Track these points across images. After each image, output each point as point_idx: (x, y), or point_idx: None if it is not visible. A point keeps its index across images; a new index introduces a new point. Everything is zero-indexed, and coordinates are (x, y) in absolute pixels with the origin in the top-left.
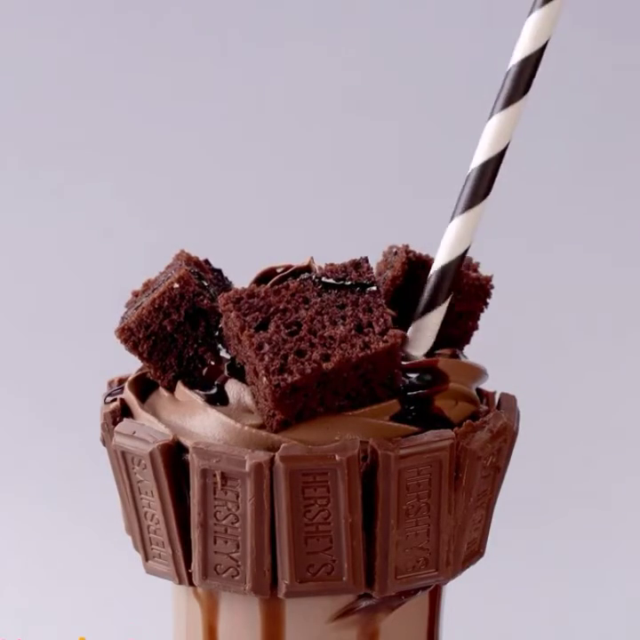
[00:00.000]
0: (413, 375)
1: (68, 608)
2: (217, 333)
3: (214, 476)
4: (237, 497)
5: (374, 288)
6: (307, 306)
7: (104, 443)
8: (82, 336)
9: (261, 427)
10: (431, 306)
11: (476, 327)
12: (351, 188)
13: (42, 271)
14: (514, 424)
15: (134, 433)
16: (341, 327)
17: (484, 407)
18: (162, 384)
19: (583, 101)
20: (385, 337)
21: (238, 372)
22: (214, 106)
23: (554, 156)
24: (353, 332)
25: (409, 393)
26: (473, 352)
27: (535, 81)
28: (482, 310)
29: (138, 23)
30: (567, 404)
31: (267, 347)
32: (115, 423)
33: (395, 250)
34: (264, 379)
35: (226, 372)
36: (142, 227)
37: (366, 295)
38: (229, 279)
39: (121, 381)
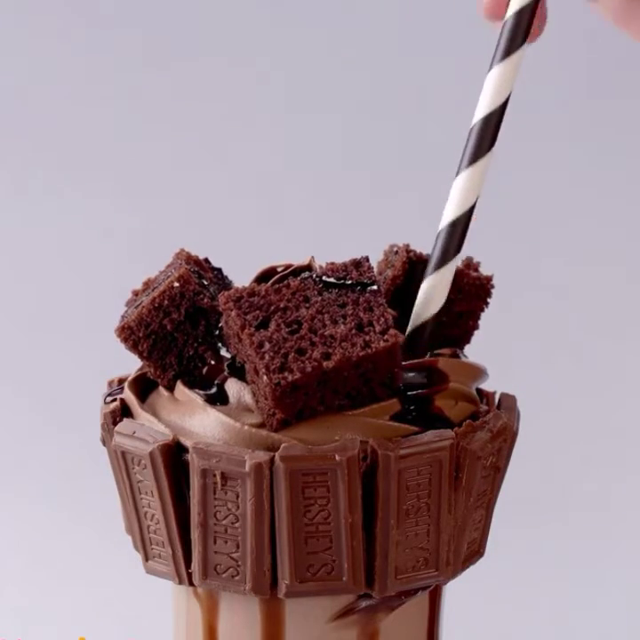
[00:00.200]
0: (413, 375)
1: (67, 608)
2: (217, 332)
3: (214, 475)
4: (237, 497)
5: (375, 287)
6: (307, 305)
7: (104, 443)
8: (82, 336)
9: (261, 426)
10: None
11: (476, 327)
12: (352, 188)
13: (42, 271)
14: (514, 424)
15: (134, 433)
16: (342, 326)
17: (484, 407)
18: (162, 383)
19: (583, 83)
20: (385, 336)
21: (238, 371)
22: (214, 105)
23: (554, 156)
24: (353, 331)
25: (409, 392)
26: (473, 352)
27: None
28: (482, 310)
29: (136, 23)
30: (567, 404)
31: (267, 345)
32: (115, 423)
33: (395, 249)
34: (264, 377)
35: (226, 371)
36: (142, 226)
37: (367, 294)
38: (229, 278)
39: (121, 381)
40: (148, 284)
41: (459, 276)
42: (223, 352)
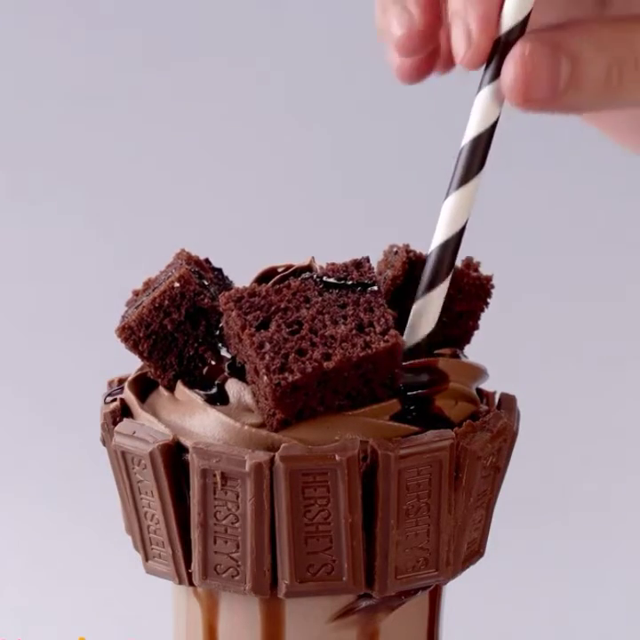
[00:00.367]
0: (413, 375)
1: (68, 608)
2: (217, 332)
3: (214, 475)
4: (237, 497)
5: (375, 288)
6: (308, 305)
7: (104, 443)
8: (82, 336)
9: (261, 426)
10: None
11: (476, 327)
12: (352, 188)
13: (42, 271)
14: (514, 424)
15: (134, 433)
16: (342, 326)
17: (484, 407)
18: (162, 383)
19: None
20: (386, 337)
21: (239, 372)
22: (215, 105)
23: (555, 156)
24: (354, 332)
25: (409, 393)
26: (473, 352)
27: None
28: (482, 310)
29: (134, 22)
30: (567, 404)
31: (267, 346)
32: (115, 423)
33: (395, 249)
34: (265, 377)
35: (226, 372)
36: (143, 226)
37: (367, 295)
38: (230, 278)
39: (121, 381)
40: (148, 284)
41: (459, 276)
42: (223, 352)
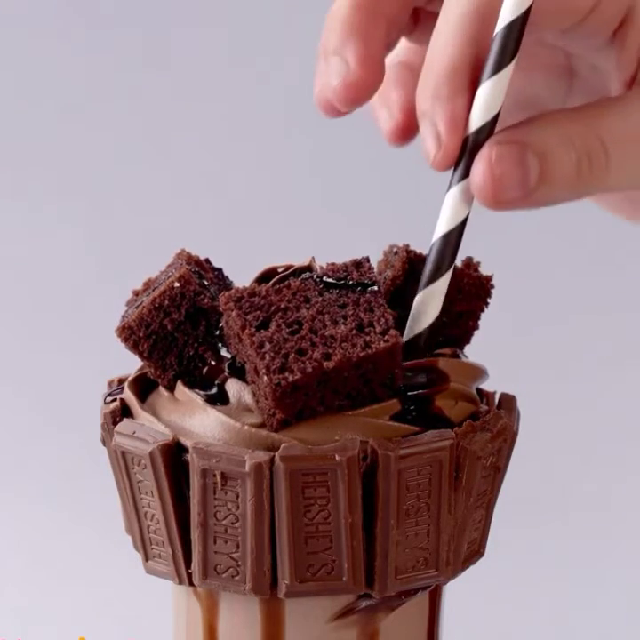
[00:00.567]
0: (414, 375)
1: (68, 608)
2: (217, 332)
3: (214, 476)
4: (237, 497)
5: (375, 288)
6: (308, 305)
7: (104, 443)
8: (82, 336)
9: (261, 426)
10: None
11: (476, 327)
12: (352, 188)
13: (42, 271)
14: (514, 424)
15: (134, 433)
16: (342, 326)
17: (484, 407)
18: (162, 383)
19: None
20: (386, 337)
21: (239, 372)
22: (215, 105)
23: None
24: (354, 332)
25: (409, 393)
26: (473, 352)
27: None
28: (482, 310)
29: (130, 23)
30: (567, 403)
31: (268, 345)
32: (115, 423)
33: (395, 249)
34: (265, 377)
35: (226, 372)
36: (143, 225)
37: (367, 295)
38: (230, 279)
39: (121, 381)
40: (148, 284)
41: (459, 276)
42: (223, 352)
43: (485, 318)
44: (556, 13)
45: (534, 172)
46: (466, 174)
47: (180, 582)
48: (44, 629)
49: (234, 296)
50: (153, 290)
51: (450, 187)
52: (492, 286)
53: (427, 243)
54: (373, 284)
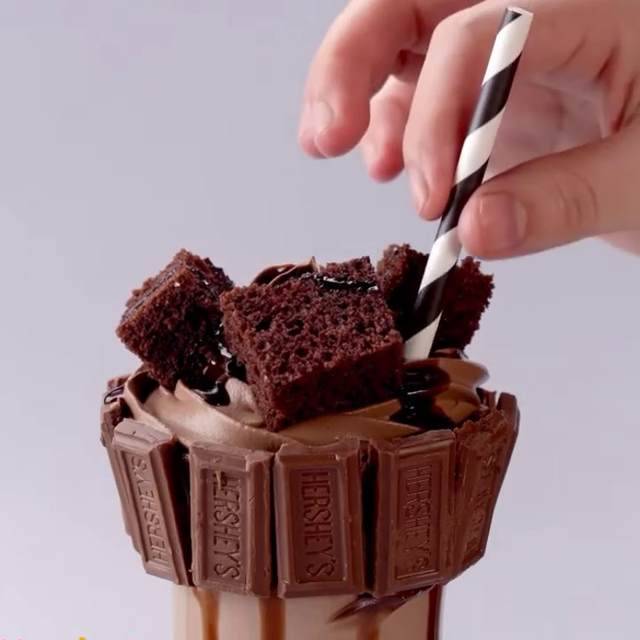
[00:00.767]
0: (414, 375)
1: (68, 608)
2: (218, 332)
3: (214, 476)
4: (237, 497)
5: (376, 288)
6: (308, 305)
7: (104, 443)
8: (82, 336)
9: (262, 426)
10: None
11: (476, 327)
12: (352, 188)
13: (42, 271)
14: (514, 424)
15: (134, 433)
16: (343, 326)
17: (484, 407)
18: (162, 383)
19: None
20: (386, 336)
21: (239, 372)
22: (215, 105)
23: None
24: (354, 332)
25: (409, 393)
26: (473, 352)
27: None
28: (482, 310)
29: (131, 23)
30: (567, 404)
31: (268, 345)
32: (115, 423)
33: (395, 249)
34: (265, 377)
35: (226, 371)
36: (143, 225)
37: (368, 295)
38: (230, 278)
39: (121, 381)
40: (148, 284)
41: (459, 275)
42: (224, 352)
43: (485, 318)
44: (538, 60)
45: (522, 222)
46: (454, 223)
47: (180, 582)
48: (44, 629)
49: (234, 296)
50: (153, 290)
51: (437, 235)
52: (492, 286)
53: (427, 243)
54: (373, 284)
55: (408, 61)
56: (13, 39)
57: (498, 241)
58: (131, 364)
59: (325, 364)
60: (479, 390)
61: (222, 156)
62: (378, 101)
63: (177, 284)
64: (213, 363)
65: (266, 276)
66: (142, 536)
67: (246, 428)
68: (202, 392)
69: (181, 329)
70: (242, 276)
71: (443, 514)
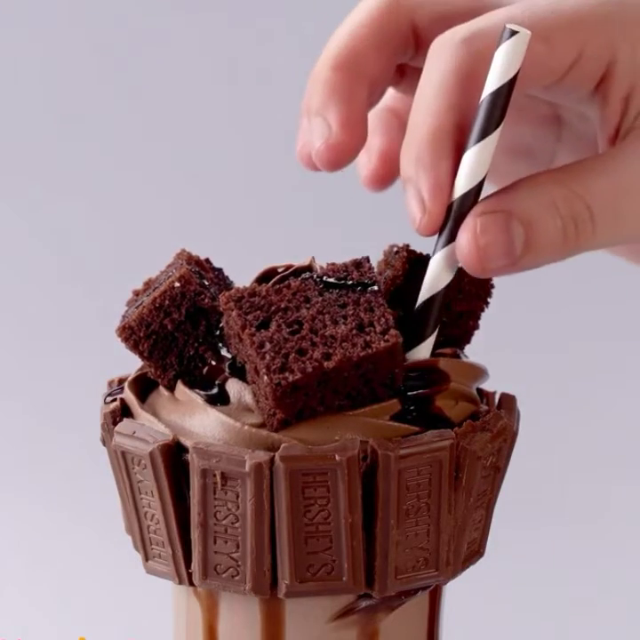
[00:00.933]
0: (414, 375)
1: (68, 608)
2: (218, 332)
3: (214, 476)
4: (237, 497)
5: (376, 288)
6: (308, 305)
7: (104, 443)
8: (82, 336)
9: (262, 426)
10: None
11: (476, 327)
12: (352, 188)
13: (41, 271)
14: (514, 424)
15: (134, 433)
16: (343, 326)
17: (484, 407)
18: (162, 383)
19: None
20: (386, 336)
21: (239, 372)
22: (215, 105)
23: None
24: (354, 332)
25: (409, 393)
26: (473, 352)
27: None
28: (482, 310)
29: (131, 23)
30: (567, 404)
31: (268, 345)
32: (115, 423)
33: (395, 249)
34: (265, 377)
35: (226, 371)
36: (143, 225)
37: (368, 295)
38: (230, 278)
39: (121, 381)
40: (148, 284)
41: (459, 276)
42: (223, 352)
43: (485, 318)
44: (534, 75)
45: (520, 240)
46: (451, 239)
47: (180, 582)
48: (44, 629)
49: (234, 296)
50: (153, 290)
51: (434, 252)
52: (492, 286)
53: (427, 243)
54: (373, 284)
55: (406, 74)
56: (13, 39)
57: (495, 260)
58: (131, 363)
59: (325, 363)
60: (479, 390)
61: (222, 156)
62: (374, 111)
63: (177, 284)
64: (213, 363)
65: (266, 276)
66: (142, 536)
67: (246, 428)
68: (202, 392)
69: (181, 329)
70: (242, 276)
71: (443, 514)
